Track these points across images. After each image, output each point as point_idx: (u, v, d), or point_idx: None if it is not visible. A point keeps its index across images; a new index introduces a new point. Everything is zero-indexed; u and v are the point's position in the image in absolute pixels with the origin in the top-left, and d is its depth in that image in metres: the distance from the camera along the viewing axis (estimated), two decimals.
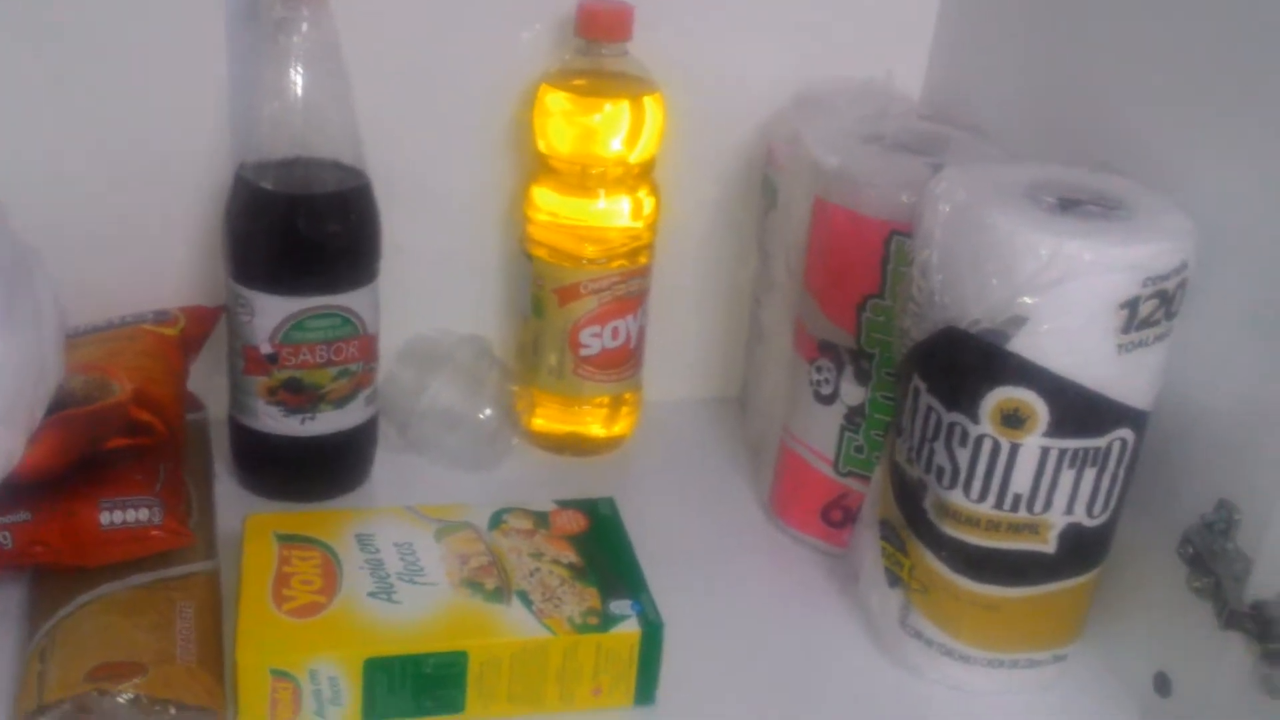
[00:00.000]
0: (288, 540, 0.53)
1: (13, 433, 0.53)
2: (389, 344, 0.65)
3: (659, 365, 0.72)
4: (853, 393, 0.59)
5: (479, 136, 0.68)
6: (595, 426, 0.70)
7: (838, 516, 0.62)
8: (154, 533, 0.53)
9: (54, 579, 0.53)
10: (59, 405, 0.55)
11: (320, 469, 0.63)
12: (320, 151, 0.60)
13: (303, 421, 0.61)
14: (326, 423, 0.61)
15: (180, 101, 0.63)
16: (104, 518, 0.53)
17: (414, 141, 0.65)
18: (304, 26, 0.57)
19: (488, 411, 0.66)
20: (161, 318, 0.63)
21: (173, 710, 0.47)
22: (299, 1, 0.57)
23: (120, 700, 0.47)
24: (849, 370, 0.59)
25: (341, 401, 0.61)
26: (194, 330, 0.64)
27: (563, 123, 0.65)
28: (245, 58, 0.62)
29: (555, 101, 0.64)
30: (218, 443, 0.65)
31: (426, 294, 0.68)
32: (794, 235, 0.63)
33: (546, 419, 0.69)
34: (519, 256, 0.68)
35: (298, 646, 0.48)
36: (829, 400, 0.60)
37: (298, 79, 0.57)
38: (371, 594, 0.51)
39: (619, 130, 0.64)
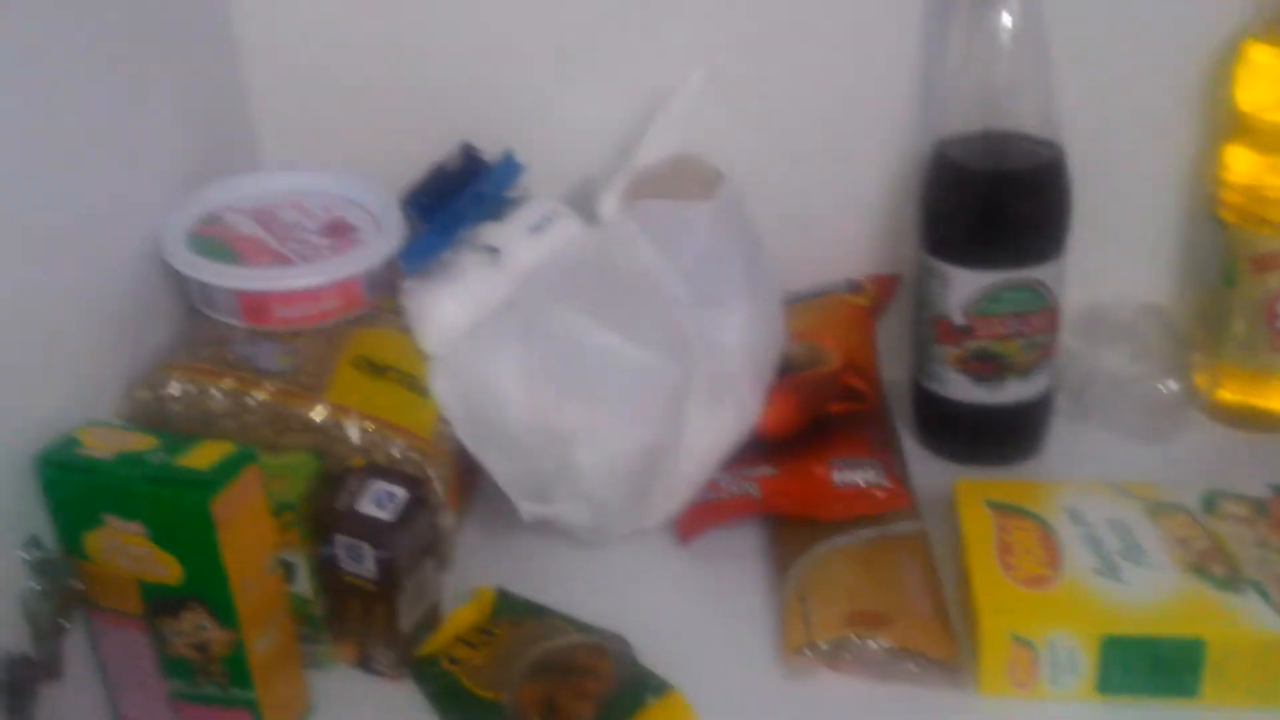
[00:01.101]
0: (1000, 509, 0.56)
1: (754, 393, 0.60)
2: (1066, 312, 0.65)
3: None
4: None
5: (1165, 96, 0.65)
6: None
7: None
8: (879, 493, 0.58)
9: (790, 528, 0.58)
10: (783, 370, 0.62)
11: (1003, 436, 0.65)
12: (1015, 124, 0.60)
13: (990, 390, 0.63)
14: (1011, 392, 0.63)
15: (873, 76, 0.66)
16: (836, 476, 0.58)
17: (1094, 105, 0.63)
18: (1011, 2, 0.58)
19: (1168, 383, 0.65)
20: (853, 287, 0.68)
21: (917, 662, 0.51)
22: None
23: (874, 646, 0.51)
24: None
25: (1027, 372, 0.63)
26: (879, 299, 0.68)
27: (1272, 80, 0.60)
28: (940, 33, 0.64)
29: (1264, 57, 0.60)
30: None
31: (1102, 262, 0.66)
32: None
33: (1232, 392, 0.66)
34: (1203, 222, 0.65)
35: (1037, 616, 0.50)
36: None
37: (1002, 53, 0.58)
38: (1096, 571, 0.52)
39: None
